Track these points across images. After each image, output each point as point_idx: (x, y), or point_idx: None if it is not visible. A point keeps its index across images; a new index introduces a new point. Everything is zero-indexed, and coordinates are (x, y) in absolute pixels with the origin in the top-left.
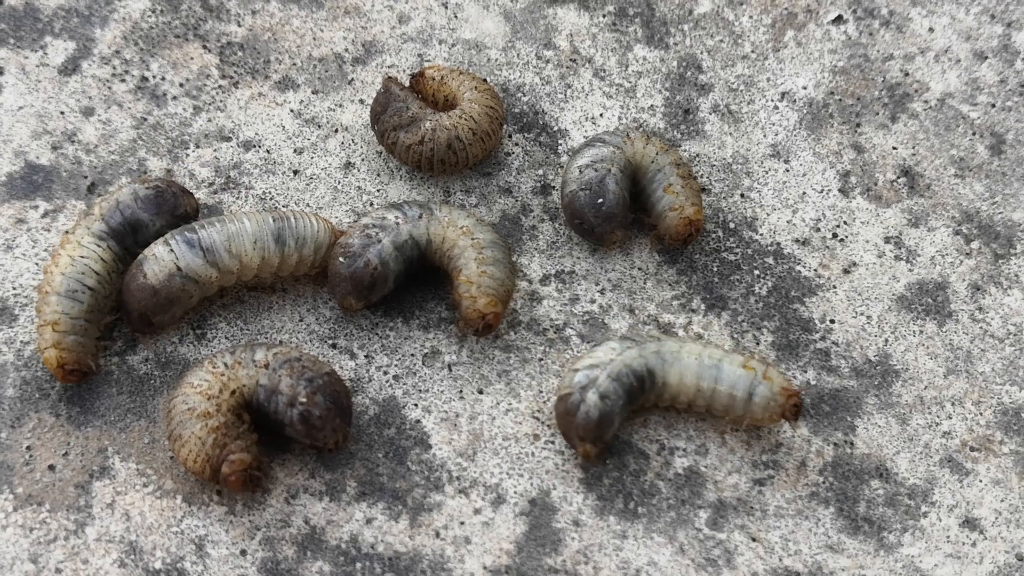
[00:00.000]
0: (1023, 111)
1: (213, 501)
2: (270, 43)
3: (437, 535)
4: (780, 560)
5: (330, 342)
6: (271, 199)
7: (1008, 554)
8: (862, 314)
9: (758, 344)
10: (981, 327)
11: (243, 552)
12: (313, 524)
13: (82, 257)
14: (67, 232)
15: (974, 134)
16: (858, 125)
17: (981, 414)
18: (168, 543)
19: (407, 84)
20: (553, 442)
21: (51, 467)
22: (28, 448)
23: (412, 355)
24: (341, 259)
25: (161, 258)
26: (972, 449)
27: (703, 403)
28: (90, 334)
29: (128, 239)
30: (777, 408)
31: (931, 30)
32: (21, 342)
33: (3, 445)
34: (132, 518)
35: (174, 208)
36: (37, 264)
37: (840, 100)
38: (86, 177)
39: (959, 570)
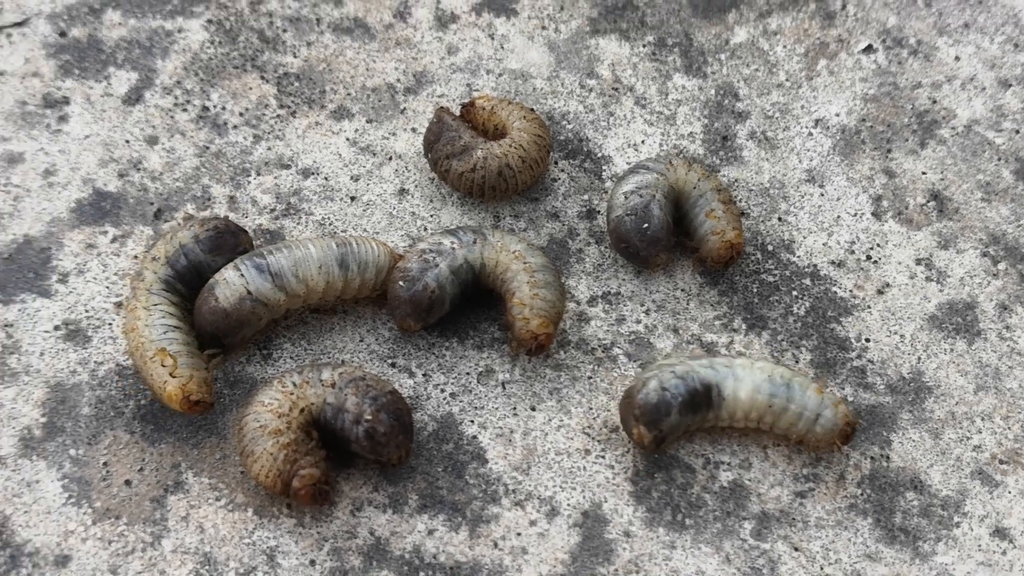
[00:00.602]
0: None
1: (283, 514)
2: (325, 74)
3: (495, 545)
4: (821, 568)
5: (389, 361)
6: (330, 225)
7: None
8: (896, 333)
9: (797, 362)
10: (1008, 345)
11: (312, 562)
12: (378, 535)
13: (155, 305)
14: (136, 279)
15: (999, 159)
16: (889, 151)
17: (1010, 428)
18: (241, 554)
19: (458, 114)
20: (604, 457)
21: (127, 482)
22: (105, 464)
23: (468, 373)
24: (401, 283)
25: (232, 282)
26: (1001, 462)
27: (770, 419)
28: (198, 364)
29: (194, 280)
30: (837, 433)
31: (957, 59)
32: (95, 362)
33: (81, 461)
34: (206, 530)
35: (234, 247)
36: (108, 288)
37: (871, 127)
38: (152, 203)
39: None
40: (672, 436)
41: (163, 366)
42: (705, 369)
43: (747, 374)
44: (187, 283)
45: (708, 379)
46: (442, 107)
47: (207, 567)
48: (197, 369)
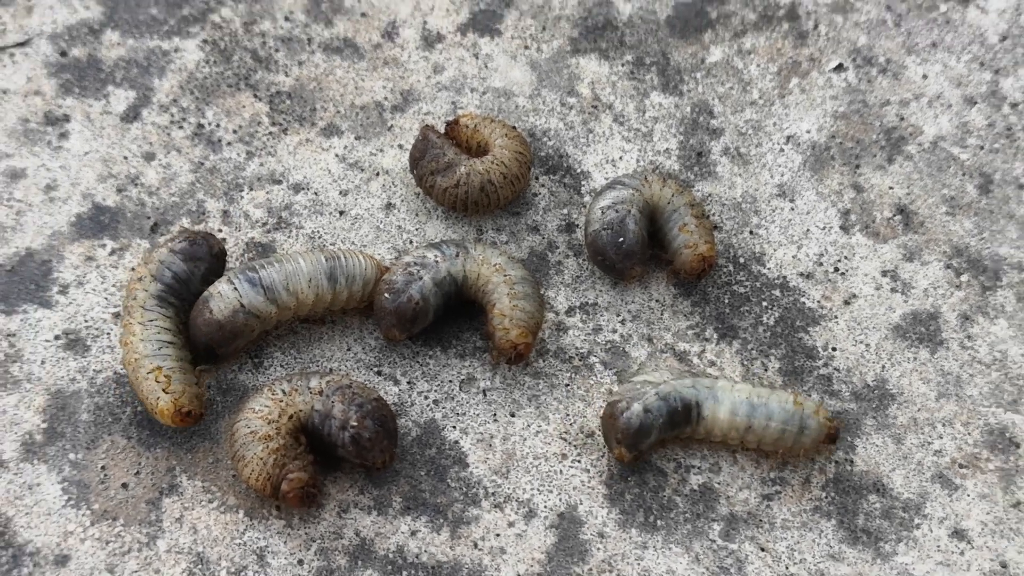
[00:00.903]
0: (1009, 153)
1: (272, 515)
2: (315, 92)
3: (475, 546)
4: (786, 568)
5: (375, 369)
6: (320, 238)
7: (993, 562)
8: (861, 342)
9: (766, 370)
10: (969, 354)
11: (300, 562)
12: (363, 536)
13: (151, 320)
14: (128, 297)
15: (964, 174)
16: (857, 166)
17: (969, 434)
18: (232, 554)
19: (443, 131)
20: (579, 461)
21: (124, 485)
22: (103, 468)
23: (450, 381)
24: (386, 295)
25: (226, 296)
26: (961, 466)
27: (754, 438)
28: (191, 380)
29: (183, 291)
30: (823, 438)
31: (925, 77)
32: (94, 371)
33: (80, 465)
34: (199, 531)
35: (209, 251)
36: (106, 299)
37: (841, 143)
38: (149, 218)
39: None
40: (650, 450)
41: (157, 382)
42: (687, 389)
43: (726, 395)
44: (177, 294)
45: (689, 398)
46: (427, 125)
47: (200, 566)
48: (189, 385)
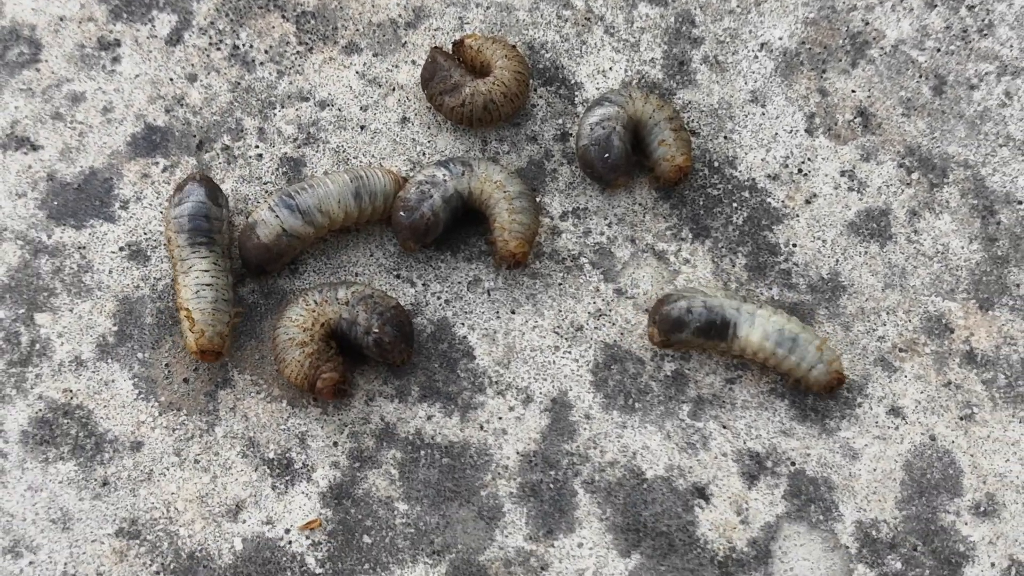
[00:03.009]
0: (963, 54)
1: (311, 404)
2: (336, 11)
3: (481, 428)
4: (744, 443)
5: (395, 273)
6: (344, 152)
7: (923, 435)
8: (819, 238)
9: (734, 267)
10: (915, 247)
11: (335, 444)
12: (387, 421)
13: (190, 267)
14: (170, 245)
15: (921, 76)
16: (824, 71)
17: (910, 321)
18: (278, 437)
19: (450, 50)
20: (570, 352)
21: (185, 380)
22: (166, 365)
23: (459, 283)
24: (401, 212)
25: (269, 222)
26: (900, 351)
27: (773, 362)
28: (220, 319)
29: (205, 226)
30: (824, 384)
31: None
32: (154, 278)
33: (147, 363)
34: (250, 419)
35: (209, 182)
36: (162, 212)
37: (810, 48)
38: (195, 136)
39: (884, 449)
40: (681, 346)
41: (186, 322)
42: (731, 309)
43: (762, 322)
44: (203, 232)
45: (729, 317)
46: (435, 47)
47: (251, 449)
48: (215, 324)
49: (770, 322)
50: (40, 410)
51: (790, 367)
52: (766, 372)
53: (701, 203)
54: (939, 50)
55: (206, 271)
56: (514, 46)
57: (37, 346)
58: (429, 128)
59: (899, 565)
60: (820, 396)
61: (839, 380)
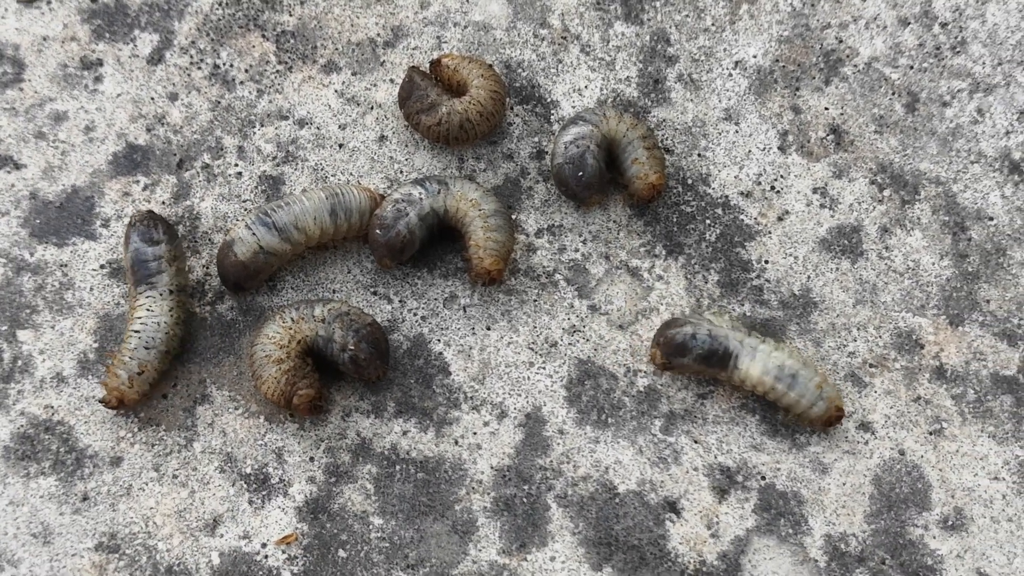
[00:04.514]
0: (936, 72)
1: (288, 420)
2: (316, 30)
3: (456, 443)
4: (715, 457)
5: (372, 290)
6: (322, 170)
7: (892, 450)
8: (791, 255)
9: (707, 283)
10: (886, 263)
11: (311, 459)
12: (363, 436)
13: (138, 306)
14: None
15: (893, 94)
16: (797, 89)
17: (880, 337)
18: (255, 453)
19: (427, 68)
20: (544, 368)
21: (164, 396)
22: None
23: (435, 299)
24: (378, 230)
25: (246, 240)
26: (871, 366)
27: (774, 397)
28: (141, 368)
29: (153, 267)
30: (824, 420)
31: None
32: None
33: None
34: (227, 434)
35: (155, 228)
36: None
37: (784, 66)
38: (175, 155)
39: (853, 464)
40: (681, 370)
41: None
42: (735, 340)
43: (763, 357)
44: (145, 274)
45: (732, 348)
46: (413, 67)
47: (229, 464)
48: (130, 370)
49: (771, 358)
50: (22, 426)
51: (790, 403)
52: (736, 388)
53: (675, 220)
54: (912, 67)
55: (139, 317)
56: (491, 65)
57: (19, 363)
58: (407, 146)
59: None
60: (818, 431)
61: (838, 417)
